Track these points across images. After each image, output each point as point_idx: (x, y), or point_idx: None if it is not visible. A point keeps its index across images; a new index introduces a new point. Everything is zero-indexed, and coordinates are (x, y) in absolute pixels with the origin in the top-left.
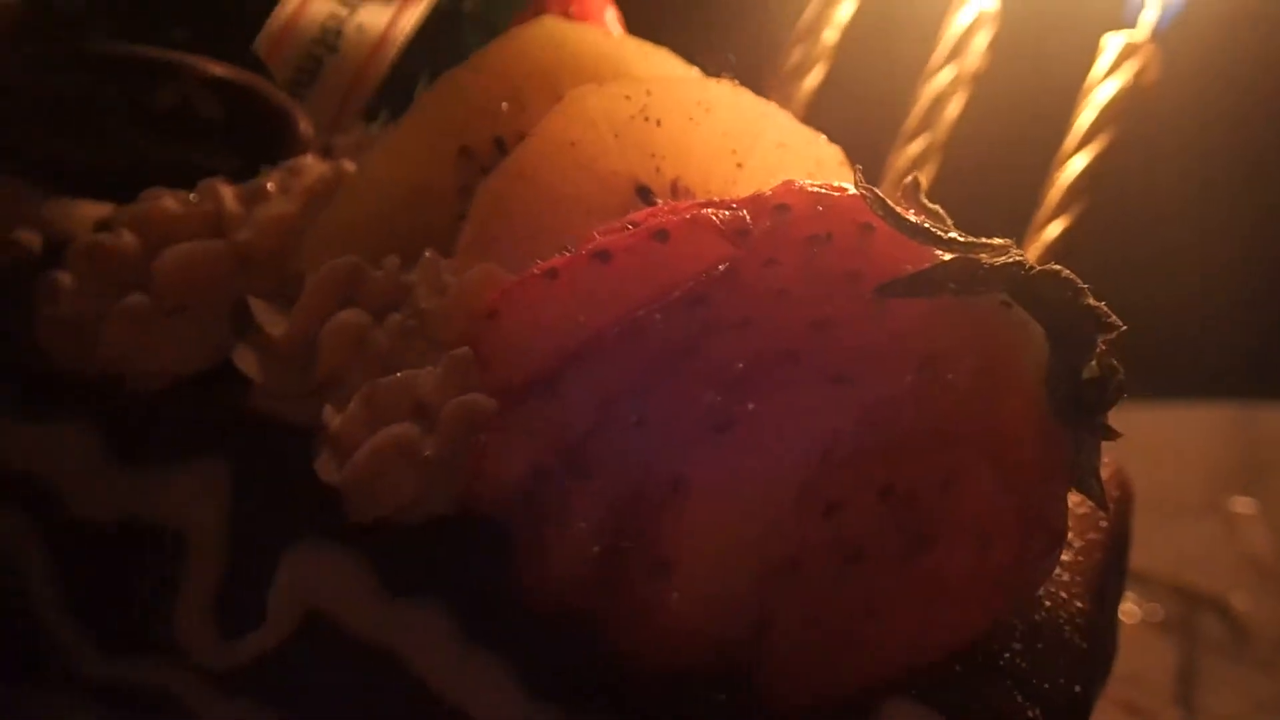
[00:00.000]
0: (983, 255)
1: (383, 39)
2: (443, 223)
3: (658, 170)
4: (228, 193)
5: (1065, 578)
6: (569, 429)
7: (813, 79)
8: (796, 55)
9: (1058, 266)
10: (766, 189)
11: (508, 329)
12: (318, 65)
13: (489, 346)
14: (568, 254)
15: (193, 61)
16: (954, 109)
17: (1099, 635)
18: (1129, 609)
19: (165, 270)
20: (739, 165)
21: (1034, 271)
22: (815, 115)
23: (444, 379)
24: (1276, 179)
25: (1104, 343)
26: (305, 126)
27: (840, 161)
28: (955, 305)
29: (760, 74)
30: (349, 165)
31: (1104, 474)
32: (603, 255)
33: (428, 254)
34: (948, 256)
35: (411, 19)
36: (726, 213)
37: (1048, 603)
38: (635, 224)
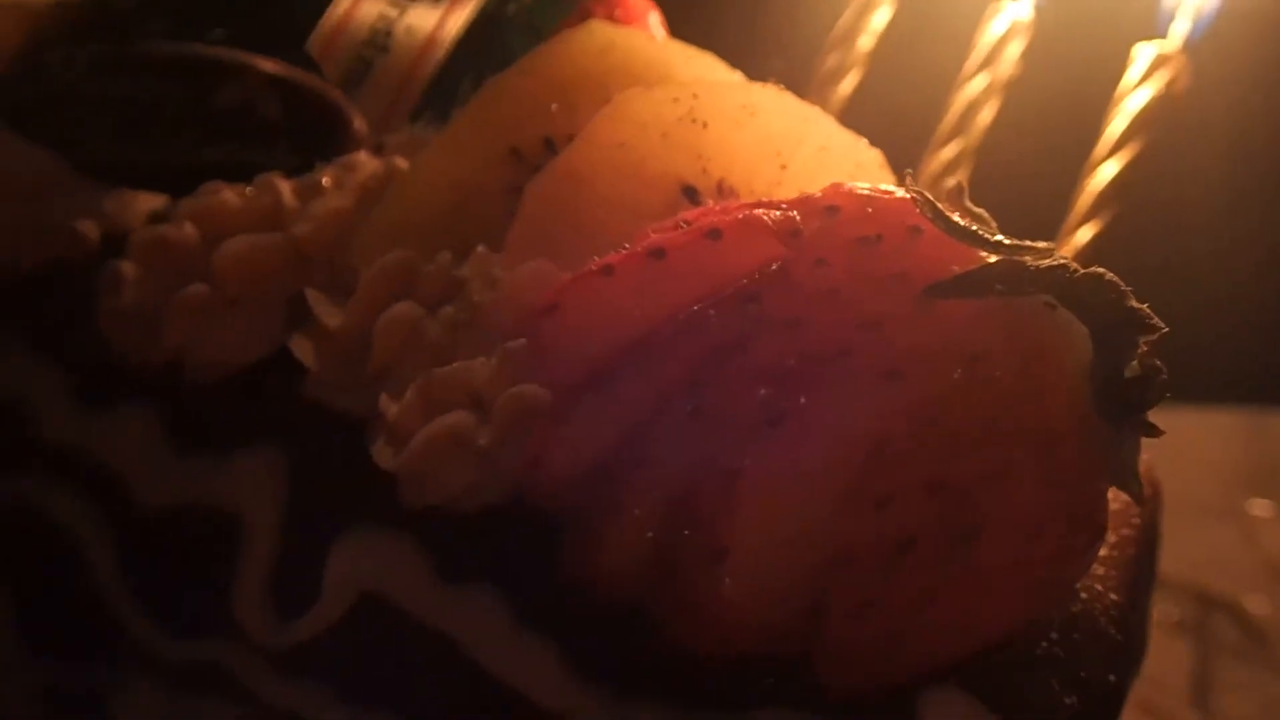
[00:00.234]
0: (1027, 258)
1: (430, 40)
2: (492, 220)
3: (704, 171)
4: (285, 187)
5: (1100, 571)
6: (625, 420)
7: (848, 84)
8: (832, 61)
9: (1102, 270)
10: (811, 190)
11: (566, 323)
12: (368, 65)
13: (547, 340)
14: (624, 251)
15: (252, 61)
16: (987, 115)
17: (1132, 627)
18: None
19: (225, 262)
20: (783, 167)
21: (1078, 274)
22: (850, 119)
23: (499, 371)
24: None
25: (1145, 343)
26: (359, 124)
27: (880, 165)
28: (1001, 306)
29: (797, 78)
30: (401, 162)
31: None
32: (658, 253)
33: (479, 249)
34: (993, 259)
35: (458, 21)
36: (777, 213)
37: (1084, 595)
38: (688, 223)
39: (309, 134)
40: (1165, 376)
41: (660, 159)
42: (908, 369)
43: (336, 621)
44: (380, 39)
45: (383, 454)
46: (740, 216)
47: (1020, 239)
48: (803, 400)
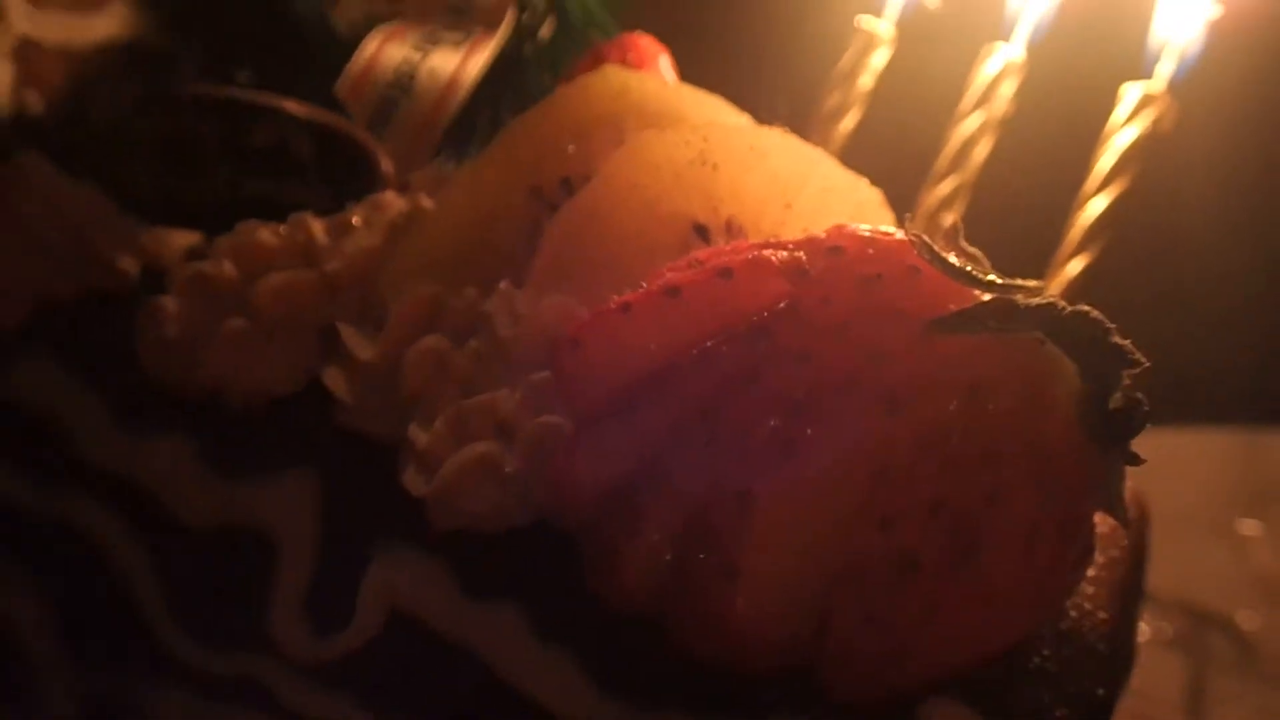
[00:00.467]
0: (1018, 296)
1: (452, 82)
2: (513, 255)
3: (714, 210)
4: (317, 226)
5: (1090, 590)
6: (644, 448)
7: (849, 122)
8: (834, 100)
9: (1087, 308)
10: (816, 230)
11: (587, 357)
12: (393, 106)
13: (569, 372)
14: (641, 289)
15: (286, 104)
16: (982, 151)
17: (1120, 643)
18: (1140, 628)
19: (262, 297)
20: (788, 206)
21: (1066, 312)
22: (851, 155)
23: (524, 401)
24: None
25: (1129, 376)
26: (386, 164)
27: (880, 204)
28: (995, 341)
29: (801, 116)
30: (426, 201)
31: (1125, 496)
32: (673, 291)
33: (503, 285)
34: (987, 297)
35: (478, 63)
36: (785, 254)
37: (1074, 613)
38: (700, 262)
39: (338, 172)
40: (1147, 408)
41: (673, 199)
42: (909, 400)
43: (369, 637)
44: (404, 81)
45: (414, 482)
46: (750, 257)
47: (1015, 270)
48: (810, 429)
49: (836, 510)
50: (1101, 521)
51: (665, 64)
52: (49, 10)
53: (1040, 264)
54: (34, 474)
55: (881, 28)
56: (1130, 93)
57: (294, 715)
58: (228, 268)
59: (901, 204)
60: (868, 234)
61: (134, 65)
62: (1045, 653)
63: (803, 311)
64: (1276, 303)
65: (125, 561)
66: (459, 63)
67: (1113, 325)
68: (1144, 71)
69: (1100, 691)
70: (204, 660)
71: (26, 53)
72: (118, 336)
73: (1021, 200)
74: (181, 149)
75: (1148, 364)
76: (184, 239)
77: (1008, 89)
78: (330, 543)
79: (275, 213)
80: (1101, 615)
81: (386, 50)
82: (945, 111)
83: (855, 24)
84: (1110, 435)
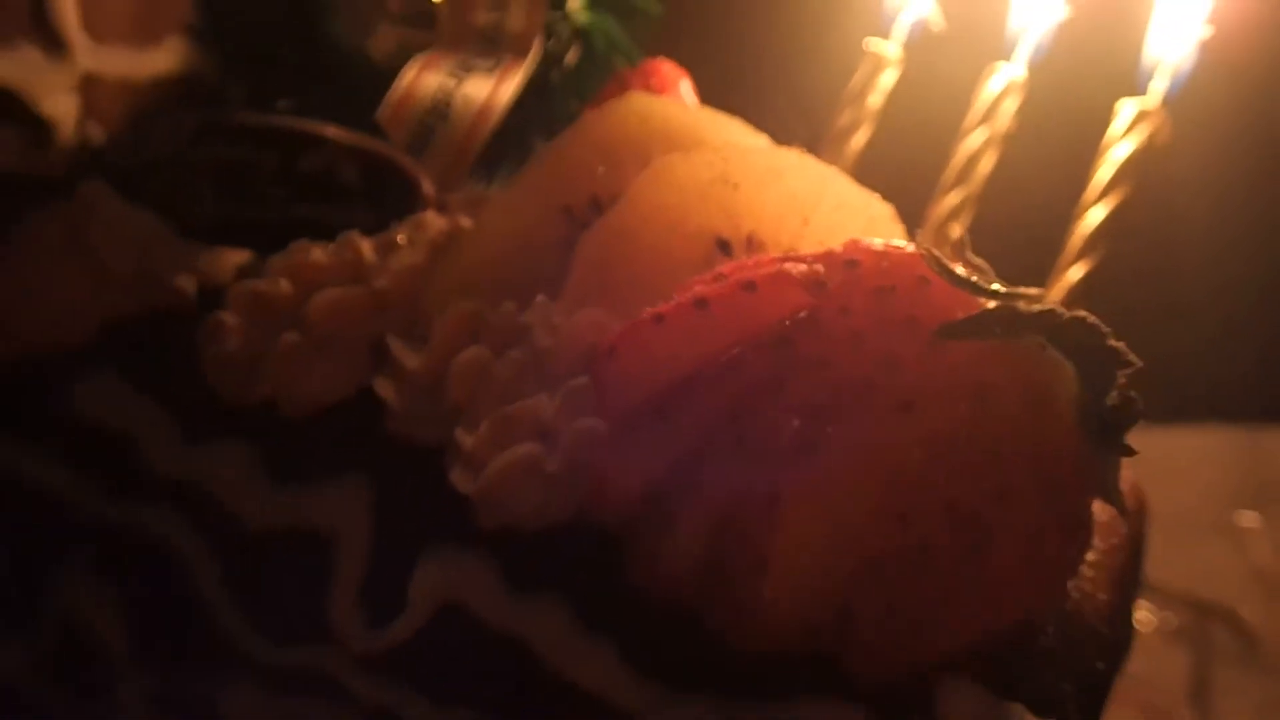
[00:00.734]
0: (1021, 303)
1: (485, 107)
2: (547, 271)
3: (735, 227)
4: (365, 245)
5: (1090, 575)
6: (676, 449)
7: (860, 140)
8: (845, 118)
9: (1085, 313)
10: (832, 244)
11: (622, 365)
12: (430, 132)
13: (605, 379)
14: (671, 302)
15: (333, 131)
16: (986, 166)
17: (1119, 623)
18: (1146, 619)
19: (315, 312)
20: (805, 222)
21: (1065, 318)
22: (863, 170)
23: (563, 406)
24: (1275, 227)
25: (1123, 376)
26: (428, 186)
27: (891, 218)
28: (1000, 346)
29: (814, 135)
30: (465, 220)
31: (1123, 488)
32: (701, 303)
33: (540, 298)
34: (991, 305)
35: (509, 90)
36: (804, 268)
37: (1076, 595)
38: (725, 276)
39: (383, 195)
40: (1141, 405)
41: (697, 216)
42: (921, 402)
43: (421, 628)
44: (441, 108)
45: (462, 480)
46: (772, 270)
47: (1019, 276)
48: (831, 431)
49: (856, 506)
50: (1101, 511)
51: (686, 89)
52: (110, 46)
53: (1043, 271)
54: (106, 486)
55: (889, 50)
56: (1126, 108)
57: (355, 702)
58: (283, 285)
59: (911, 216)
60: (881, 248)
61: (189, 97)
62: (1050, 631)
63: (822, 321)
64: (1270, 305)
65: (193, 565)
66: (491, 89)
67: (1108, 329)
68: (1139, 88)
69: (1100, 665)
70: (269, 654)
71: (89, 87)
72: (179, 352)
73: (1025, 211)
74: (236, 176)
75: (1141, 364)
76: (236, 258)
77: (1010, 106)
78: (383, 541)
79: (324, 233)
80: (1102, 598)
81: (423, 78)
82: (951, 128)
83: (864, 47)
84: (1107, 430)
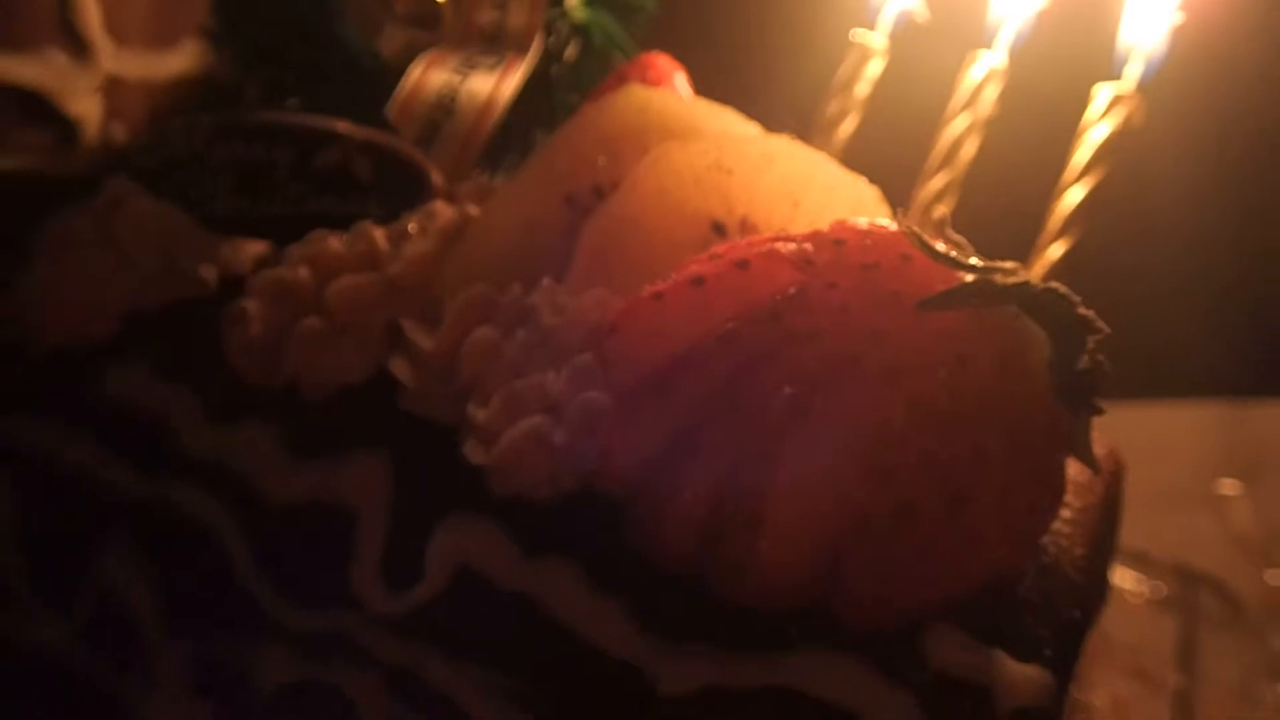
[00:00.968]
0: (997, 276)
1: (489, 102)
2: (552, 255)
3: (730, 211)
4: (379, 234)
5: (1068, 530)
6: (677, 419)
7: (848, 127)
8: (833, 107)
9: (1056, 284)
10: (821, 225)
11: (625, 341)
12: (437, 127)
13: (609, 355)
14: (669, 281)
15: (346, 128)
16: (969, 150)
17: (1094, 575)
18: (1135, 589)
19: (333, 298)
20: (795, 205)
21: (1038, 288)
22: (851, 158)
23: (569, 381)
24: (1246, 205)
25: (1092, 342)
26: (437, 178)
27: (877, 199)
28: (978, 316)
29: (804, 123)
30: (473, 209)
31: (1100, 451)
32: (698, 281)
33: (545, 281)
34: (969, 278)
35: (512, 84)
36: (794, 246)
37: (1053, 549)
38: (720, 256)
39: (395, 188)
40: (1108, 368)
41: (694, 201)
42: (904, 369)
43: (439, 591)
44: (446, 103)
45: (475, 452)
46: (764, 249)
47: (1003, 254)
48: (820, 398)
49: (844, 466)
50: (1079, 472)
51: (682, 81)
52: (131, 48)
53: (1025, 249)
54: (141, 466)
55: (874, 40)
56: (1102, 93)
57: (380, 663)
58: (303, 273)
59: (897, 200)
60: (866, 227)
61: (206, 96)
62: (1029, 583)
63: (811, 296)
64: (1246, 282)
65: (224, 538)
66: (494, 84)
67: (1078, 298)
68: (1114, 73)
69: (1077, 614)
70: (297, 619)
71: (112, 89)
72: (204, 339)
73: (1007, 192)
74: (254, 171)
75: (1108, 330)
76: (255, 249)
77: (991, 92)
78: (401, 511)
79: (340, 225)
80: (1078, 552)
81: (429, 76)
82: (935, 114)
83: (850, 38)
84: (1077, 393)
